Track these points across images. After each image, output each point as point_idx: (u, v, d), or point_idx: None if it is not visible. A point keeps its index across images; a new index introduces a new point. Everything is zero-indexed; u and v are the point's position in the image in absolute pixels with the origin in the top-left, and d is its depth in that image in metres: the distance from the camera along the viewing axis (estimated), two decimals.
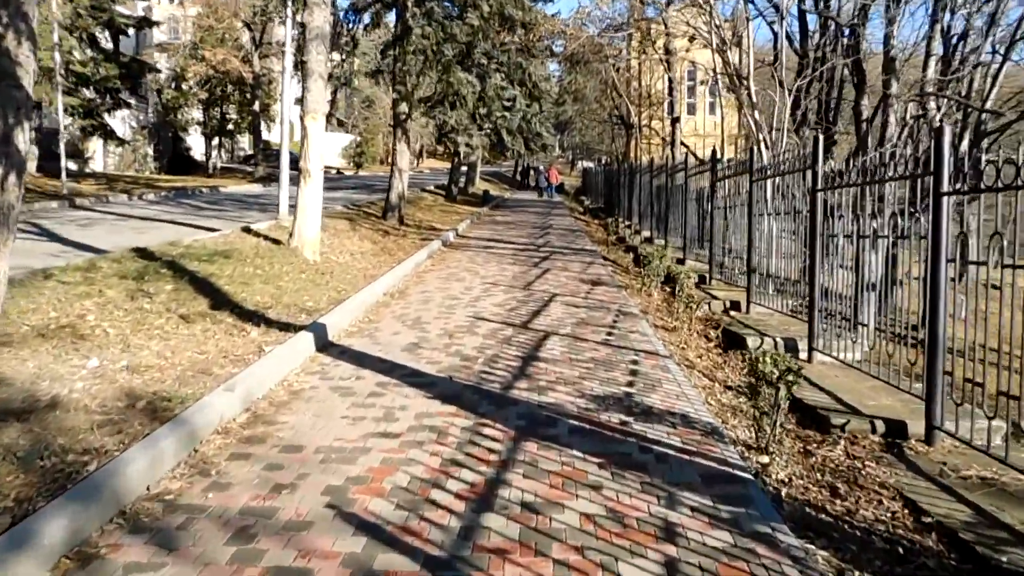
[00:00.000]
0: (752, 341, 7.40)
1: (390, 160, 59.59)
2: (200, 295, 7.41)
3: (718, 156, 12.12)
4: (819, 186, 7.08)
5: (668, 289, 10.44)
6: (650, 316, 8.53)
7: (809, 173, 7.44)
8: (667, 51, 22.15)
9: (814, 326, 7.07)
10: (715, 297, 9.86)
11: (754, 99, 11.45)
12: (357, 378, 5.61)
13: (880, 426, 5.01)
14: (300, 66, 10.83)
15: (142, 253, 8.91)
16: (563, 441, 4.32)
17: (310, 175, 10.81)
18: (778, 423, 4.35)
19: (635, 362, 6.22)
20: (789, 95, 11.41)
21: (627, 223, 23.05)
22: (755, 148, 9.93)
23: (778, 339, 7.40)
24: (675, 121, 22.15)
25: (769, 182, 9.16)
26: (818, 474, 4.14)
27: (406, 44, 15.00)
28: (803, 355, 7.26)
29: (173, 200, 22.74)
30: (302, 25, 10.65)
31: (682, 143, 23.07)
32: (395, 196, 16.92)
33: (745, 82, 23.46)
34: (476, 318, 7.88)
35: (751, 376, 4.39)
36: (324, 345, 6.60)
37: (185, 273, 8.17)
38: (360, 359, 6.17)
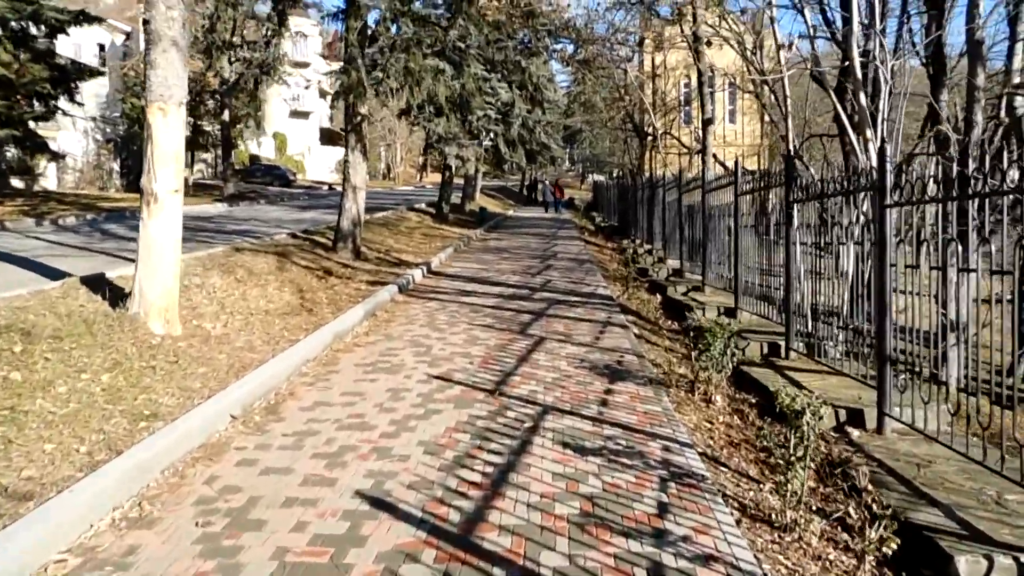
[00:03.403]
0: None
1: (388, 174, 56.58)
2: None
3: (793, 161, 8.08)
4: None
5: (728, 370, 6.33)
6: (725, 472, 4.41)
7: None
8: (695, 37, 18.09)
9: None
10: (807, 390, 5.75)
11: (858, 74, 7.34)
12: None
13: None
14: (143, 29, 6.93)
15: None
16: None
17: (156, 200, 6.78)
18: None
19: None
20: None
21: (647, 247, 19.00)
22: (882, 151, 5.80)
23: None
24: (707, 123, 18.17)
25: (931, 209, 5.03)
26: None
27: (352, 19, 11.07)
28: None
29: (94, 226, 18.84)
30: None
31: (714, 155, 19.14)
32: (347, 222, 12.88)
33: (770, 85, 19.40)
34: (373, 503, 3.78)
35: None
36: None
37: None
38: None
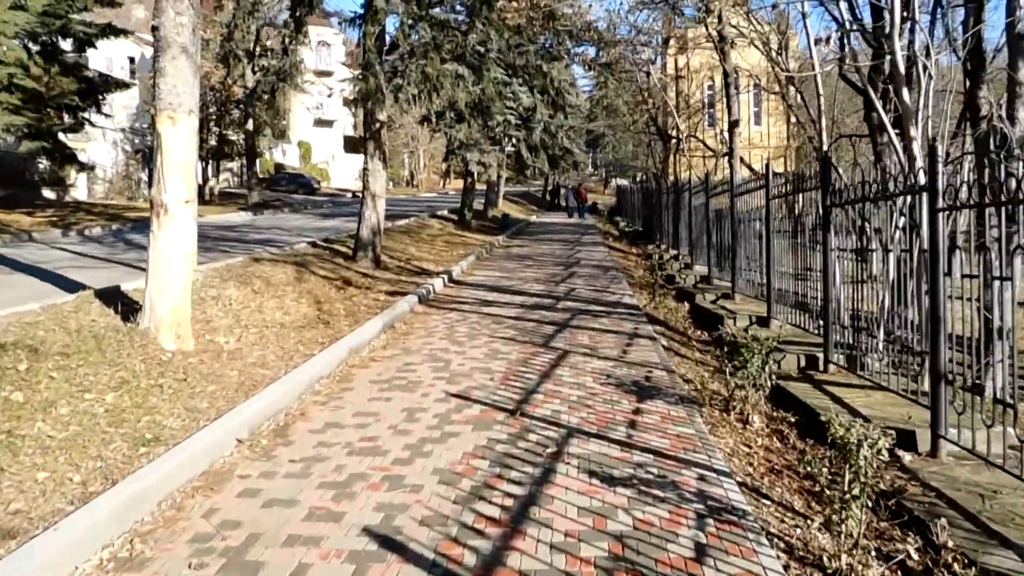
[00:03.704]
0: None
1: (412, 181, 56.38)
2: None
3: (830, 162, 7.68)
4: None
5: (766, 389, 5.92)
6: (768, 506, 4.05)
7: None
8: (721, 37, 17.64)
9: None
10: (853, 412, 5.39)
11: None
12: None
13: None
14: (152, 36, 6.71)
15: None
16: None
17: (166, 211, 6.56)
18: None
19: None
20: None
21: (673, 252, 18.59)
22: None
23: None
24: (733, 126, 17.73)
25: None
26: None
27: (369, 24, 10.84)
28: None
29: (119, 236, 18.84)
30: None
31: (740, 158, 18.64)
32: (367, 231, 12.64)
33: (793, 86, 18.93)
34: (381, 542, 3.45)
35: None
36: None
37: None
38: None
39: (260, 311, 8.57)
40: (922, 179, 5.50)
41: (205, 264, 10.40)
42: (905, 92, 6.70)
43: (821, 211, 7.52)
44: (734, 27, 18.49)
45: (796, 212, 9.12)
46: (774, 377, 5.79)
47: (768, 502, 4.08)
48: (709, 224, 13.91)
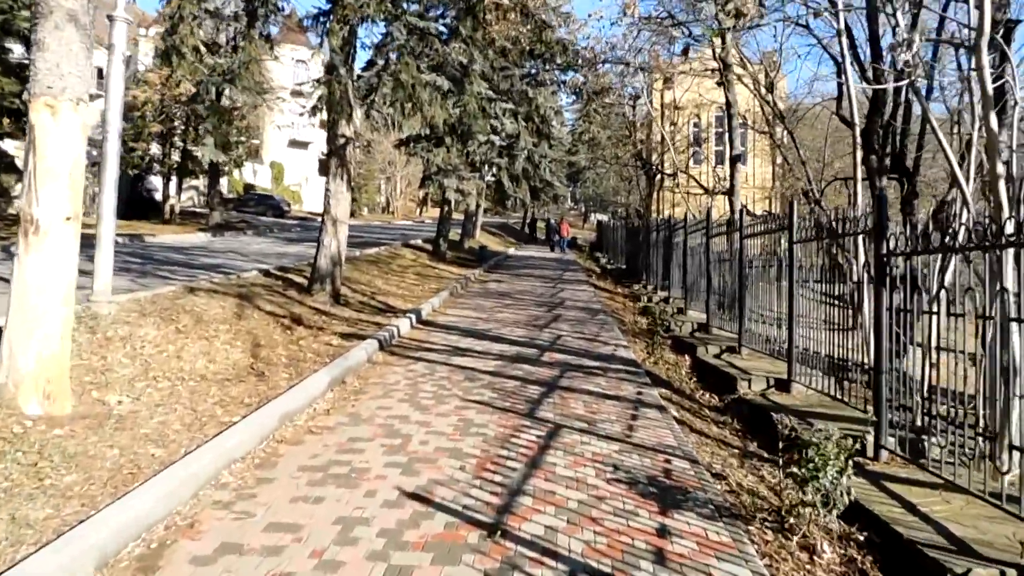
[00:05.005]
0: None
1: (388, 208, 54.49)
2: None
3: (885, 202, 6.27)
4: None
5: (842, 506, 4.39)
6: None
7: None
8: (724, 64, 16.46)
9: None
10: (941, 531, 3.94)
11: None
12: None
13: None
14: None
15: None
16: None
17: (38, 230, 4.96)
18: None
19: None
20: None
21: (663, 294, 17.17)
22: None
23: None
24: (735, 161, 16.52)
25: None
26: None
27: (334, 21, 9.39)
28: None
29: None
30: None
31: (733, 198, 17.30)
32: (326, 260, 11.04)
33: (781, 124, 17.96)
34: None
35: None
36: None
37: None
38: None
39: (179, 357, 6.94)
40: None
41: (127, 294, 8.76)
42: (993, 117, 5.32)
43: (874, 261, 6.12)
44: (721, 59, 17.42)
45: (830, 259, 7.75)
46: (852, 491, 4.25)
47: None
48: (709, 267, 12.51)
